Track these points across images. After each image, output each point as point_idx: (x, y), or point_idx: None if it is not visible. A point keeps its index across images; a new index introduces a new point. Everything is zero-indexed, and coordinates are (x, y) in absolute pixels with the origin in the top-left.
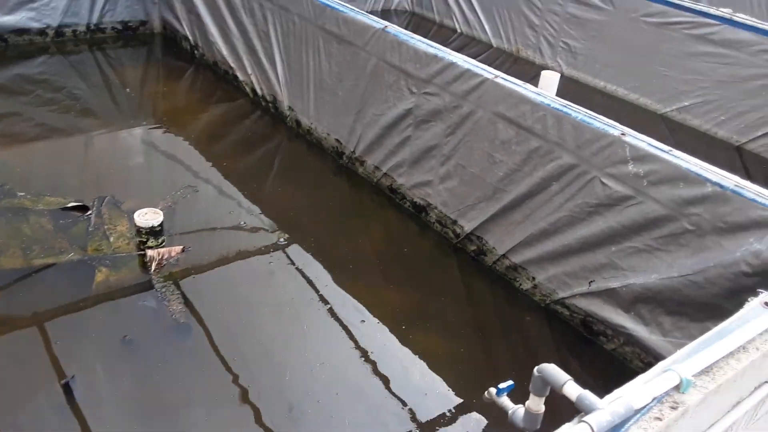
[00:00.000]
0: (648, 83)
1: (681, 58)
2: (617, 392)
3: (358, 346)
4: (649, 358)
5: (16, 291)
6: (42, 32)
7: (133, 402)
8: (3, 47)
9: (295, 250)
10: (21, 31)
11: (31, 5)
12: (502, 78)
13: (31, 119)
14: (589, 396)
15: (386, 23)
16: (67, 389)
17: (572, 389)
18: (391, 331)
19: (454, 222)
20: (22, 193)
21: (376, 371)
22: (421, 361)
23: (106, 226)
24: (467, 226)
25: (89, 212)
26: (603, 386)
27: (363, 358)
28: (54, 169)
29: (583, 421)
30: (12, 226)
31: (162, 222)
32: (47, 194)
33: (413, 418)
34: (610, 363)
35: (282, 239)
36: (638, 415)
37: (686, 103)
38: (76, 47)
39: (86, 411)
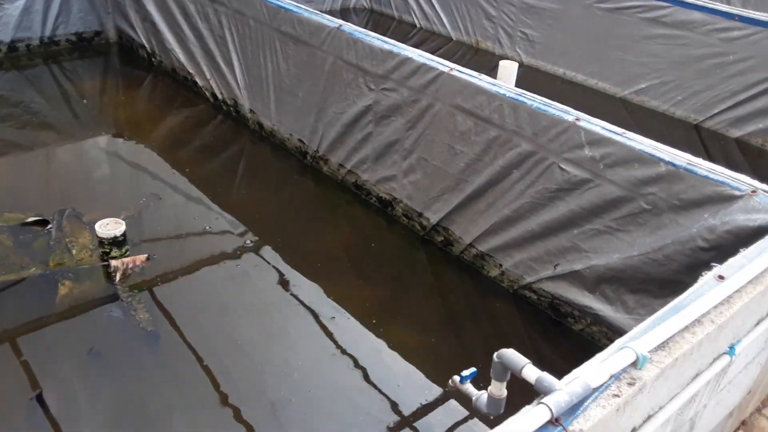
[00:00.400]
0: (605, 68)
1: (636, 41)
2: (575, 372)
3: (331, 342)
4: (615, 337)
5: None
6: None
7: (111, 412)
8: None
9: (264, 252)
10: None
11: None
12: (458, 70)
13: None
14: (547, 378)
15: (341, 22)
16: (41, 403)
17: (531, 372)
18: (364, 325)
19: (420, 214)
20: None
21: (350, 365)
22: (395, 354)
23: (67, 239)
24: (433, 218)
25: (49, 226)
26: (574, 366)
27: (337, 354)
28: (13, 184)
29: (542, 403)
30: None
31: (125, 232)
32: (6, 210)
33: (392, 409)
34: (579, 343)
35: (250, 241)
36: (596, 394)
37: (643, 86)
38: (30, 61)
39: (63, 424)
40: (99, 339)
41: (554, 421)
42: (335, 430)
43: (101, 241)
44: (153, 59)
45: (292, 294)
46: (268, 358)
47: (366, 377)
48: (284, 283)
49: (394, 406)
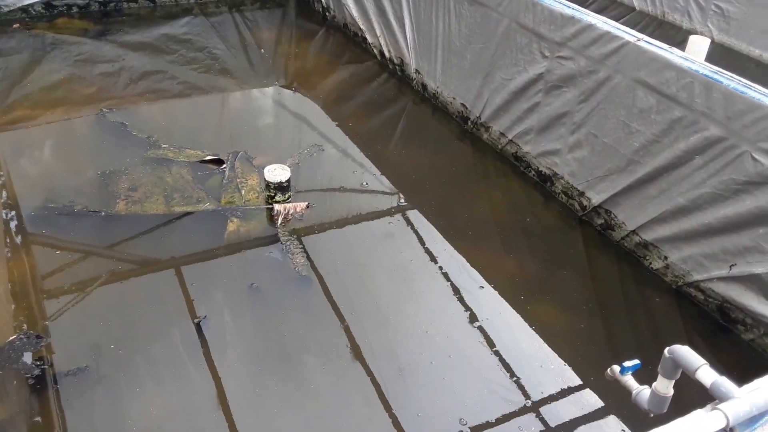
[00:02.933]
0: None
1: None
2: (757, 382)
3: (473, 313)
4: None
5: (157, 235)
6: None
7: (255, 345)
8: (152, 8)
9: (415, 214)
10: None
11: None
12: (646, 41)
13: (175, 77)
14: (725, 383)
15: None
16: (198, 328)
17: (706, 375)
18: (508, 300)
19: (581, 194)
20: (166, 145)
21: (489, 339)
22: (538, 334)
23: (238, 180)
24: (595, 198)
25: (224, 165)
26: (737, 378)
27: (477, 325)
28: (193, 124)
29: (717, 409)
30: (156, 175)
31: (289, 178)
32: (187, 147)
33: (524, 391)
34: (747, 354)
35: (402, 202)
36: None
37: None
38: (217, 9)
39: (213, 349)
40: (258, 276)
41: (728, 431)
42: (456, 402)
43: (268, 185)
44: (327, 14)
45: (437, 260)
46: (403, 320)
47: (505, 354)
48: (431, 247)
49: (523, 388)
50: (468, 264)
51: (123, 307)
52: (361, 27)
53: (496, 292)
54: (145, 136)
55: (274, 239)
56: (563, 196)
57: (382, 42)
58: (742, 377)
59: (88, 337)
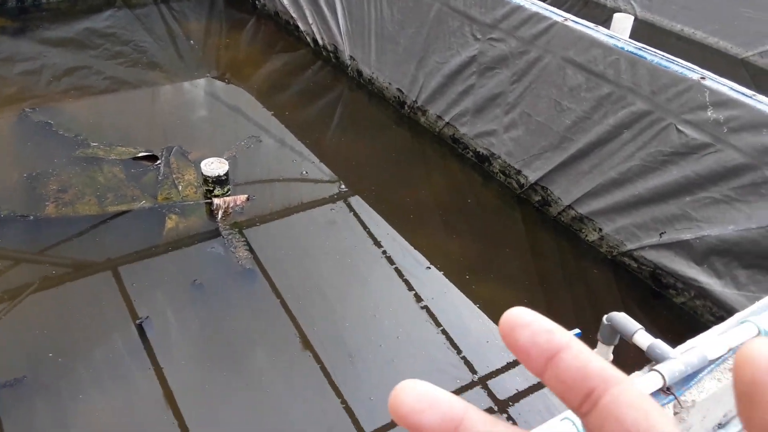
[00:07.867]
0: (729, 26)
1: None
2: (690, 342)
3: (418, 295)
4: (721, 312)
5: (91, 237)
6: None
7: (201, 343)
8: (72, 1)
9: (356, 200)
10: None
11: None
12: (572, 21)
13: (101, 72)
14: (660, 345)
15: None
16: (141, 330)
17: (643, 338)
18: (452, 281)
19: (518, 172)
20: (95, 144)
21: (435, 319)
22: (483, 311)
23: (174, 176)
24: (532, 176)
25: (158, 162)
26: (672, 340)
27: (423, 307)
28: (123, 120)
29: (654, 370)
30: (87, 175)
31: (227, 171)
32: (119, 145)
33: (471, 367)
34: (680, 317)
35: (343, 189)
36: (713, 366)
37: None
38: (141, 0)
39: (157, 350)
40: (201, 272)
41: (665, 390)
42: None
43: (205, 179)
44: (257, 2)
45: (381, 244)
46: (350, 306)
47: (452, 333)
48: (374, 232)
49: (471, 364)
50: (411, 247)
51: (60, 314)
52: (293, 15)
53: (441, 273)
54: (72, 135)
55: (215, 234)
56: (501, 175)
57: (315, 29)
58: (676, 339)
59: (25, 346)
